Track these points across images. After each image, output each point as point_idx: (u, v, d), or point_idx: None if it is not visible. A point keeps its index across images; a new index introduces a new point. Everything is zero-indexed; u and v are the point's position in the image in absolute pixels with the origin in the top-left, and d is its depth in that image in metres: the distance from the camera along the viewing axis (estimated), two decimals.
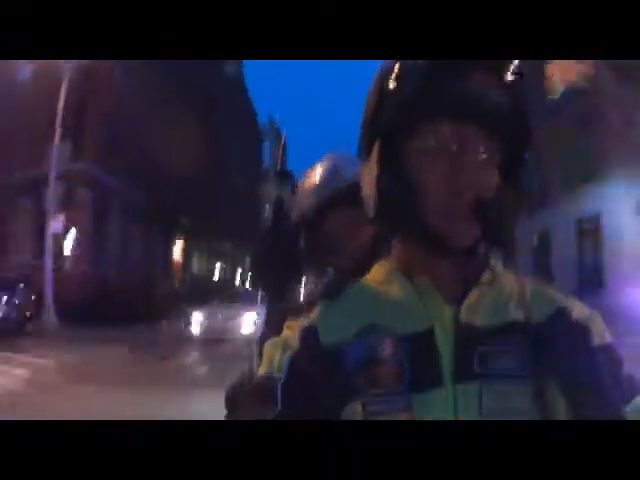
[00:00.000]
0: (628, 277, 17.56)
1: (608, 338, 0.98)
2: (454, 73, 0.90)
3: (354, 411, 0.92)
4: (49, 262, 19.33)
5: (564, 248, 23.30)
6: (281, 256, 1.84)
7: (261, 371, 1.07)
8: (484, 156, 0.94)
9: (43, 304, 19.00)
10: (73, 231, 22.30)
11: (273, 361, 1.03)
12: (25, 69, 23.50)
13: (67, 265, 21.88)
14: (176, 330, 19.97)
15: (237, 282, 50.85)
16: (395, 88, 0.95)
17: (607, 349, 0.96)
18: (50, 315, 18.92)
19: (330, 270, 1.78)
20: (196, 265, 40.39)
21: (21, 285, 18.54)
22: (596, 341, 0.96)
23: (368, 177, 1.02)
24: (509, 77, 0.93)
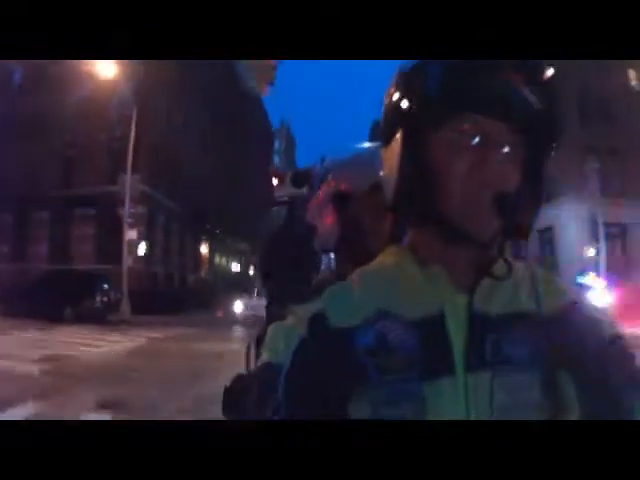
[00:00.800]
0: (578, 271, 24.22)
1: (618, 330, 0.98)
2: (481, 69, 0.90)
3: (363, 399, 0.91)
4: (126, 262, 25.13)
5: (531, 251, 29.78)
6: (290, 260, 1.83)
7: (263, 357, 1.05)
8: (508, 152, 0.93)
9: (120, 296, 24.47)
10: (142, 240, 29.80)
11: (278, 348, 1.01)
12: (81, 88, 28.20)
13: (133, 265, 27.49)
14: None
15: (251, 275, 56.95)
16: (421, 81, 0.94)
17: (618, 341, 0.96)
18: (125, 304, 24.39)
19: (331, 257, 1.78)
20: (218, 261, 49.18)
21: (104, 284, 23.97)
22: (607, 333, 0.96)
23: (388, 163, 1.01)
24: (540, 76, 0.92)
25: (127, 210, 25.24)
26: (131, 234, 25.80)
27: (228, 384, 1.72)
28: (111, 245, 27.31)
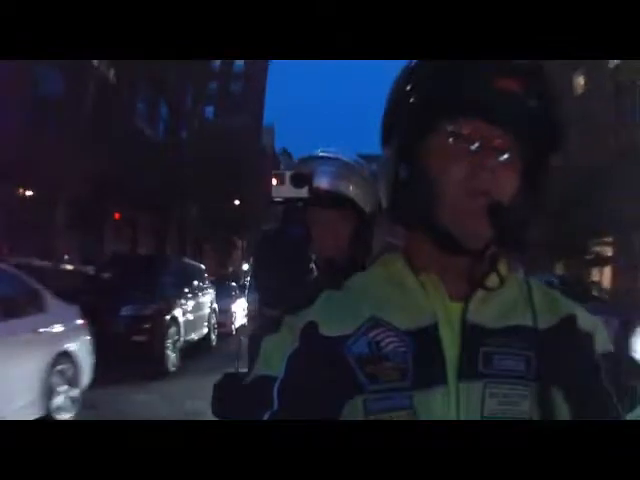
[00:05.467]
0: None
1: (611, 347, 0.98)
2: (479, 72, 0.89)
3: (355, 408, 0.91)
4: None
5: None
6: (283, 261, 1.83)
7: (257, 370, 1.05)
8: (505, 159, 0.92)
9: None
10: None
11: (271, 360, 1.01)
12: None
13: None
14: None
15: None
16: (418, 85, 0.94)
17: (610, 357, 0.96)
18: None
19: (314, 267, 1.82)
20: None
21: None
22: (599, 349, 0.95)
23: (384, 170, 1.00)
24: (539, 81, 0.92)
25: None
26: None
27: (217, 382, 1.73)
28: None
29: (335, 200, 1.88)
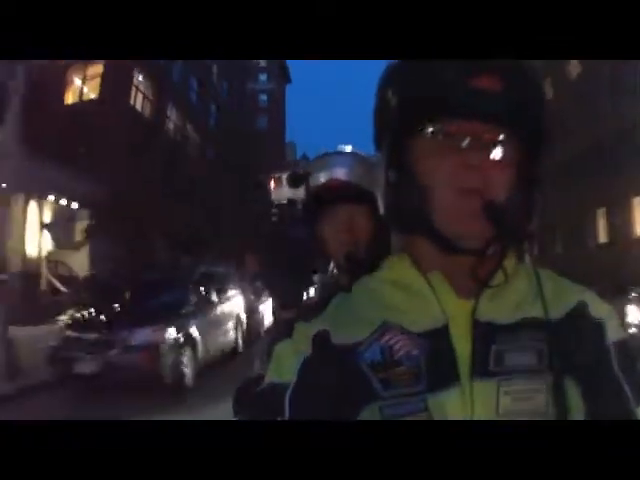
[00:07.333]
0: None
1: (624, 334, 0.96)
2: (466, 71, 0.88)
3: (370, 416, 0.89)
4: None
5: None
6: (293, 261, 1.82)
7: (269, 377, 1.05)
8: (497, 155, 0.90)
9: None
10: None
11: (283, 367, 1.01)
12: None
13: None
14: None
15: None
16: (404, 84, 0.93)
17: (623, 345, 0.94)
18: None
19: (331, 269, 1.80)
20: None
21: None
22: (612, 337, 0.94)
23: (379, 173, 0.99)
24: (522, 75, 0.91)
25: None
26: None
27: (238, 391, 1.72)
28: None
29: (353, 193, 1.80)
